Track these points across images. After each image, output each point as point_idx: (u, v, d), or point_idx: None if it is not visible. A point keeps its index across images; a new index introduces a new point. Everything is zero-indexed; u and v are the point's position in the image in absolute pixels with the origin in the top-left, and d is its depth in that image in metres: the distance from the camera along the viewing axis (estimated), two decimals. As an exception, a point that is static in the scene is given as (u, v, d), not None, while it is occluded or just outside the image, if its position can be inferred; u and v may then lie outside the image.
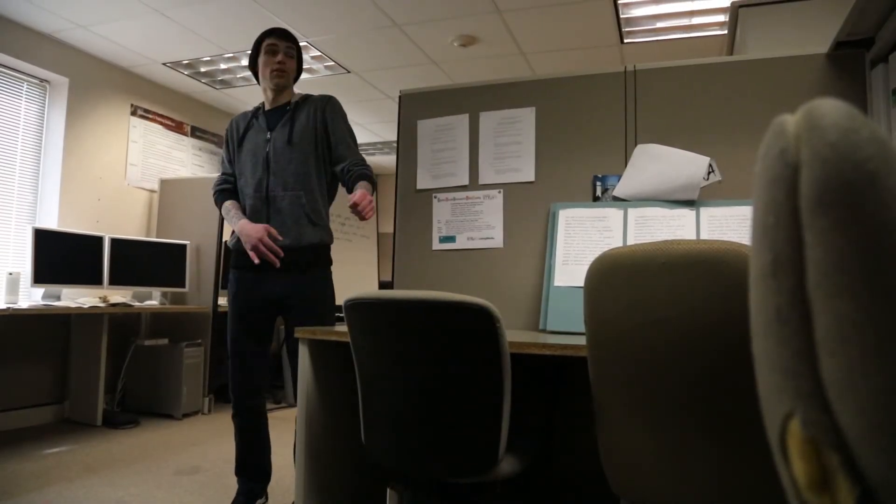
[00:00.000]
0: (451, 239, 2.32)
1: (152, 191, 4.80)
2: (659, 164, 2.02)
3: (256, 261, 2.10)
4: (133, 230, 4.63)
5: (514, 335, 1.62)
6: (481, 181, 2.30)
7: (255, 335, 2.25)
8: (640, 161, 2.06)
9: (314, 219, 2.21)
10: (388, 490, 1.69)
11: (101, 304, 3.75)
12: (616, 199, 2.07)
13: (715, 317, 0.98)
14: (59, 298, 3.80)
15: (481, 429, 1.34)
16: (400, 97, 2.50)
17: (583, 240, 2.05)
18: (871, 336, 0.33)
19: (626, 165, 2.08)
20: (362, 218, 2.03)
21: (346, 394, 1.77)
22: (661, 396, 1.06)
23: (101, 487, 2.64)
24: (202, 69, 4.59)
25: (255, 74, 2.33)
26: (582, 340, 1.28)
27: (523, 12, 3.54)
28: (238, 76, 4.74)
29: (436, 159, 2.38)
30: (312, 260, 2.23)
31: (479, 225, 2.28)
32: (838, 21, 1.71)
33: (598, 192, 2.12)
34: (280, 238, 2.13)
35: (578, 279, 1.97)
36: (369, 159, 4.44)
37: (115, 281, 4.02)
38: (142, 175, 4.74)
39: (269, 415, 2.39)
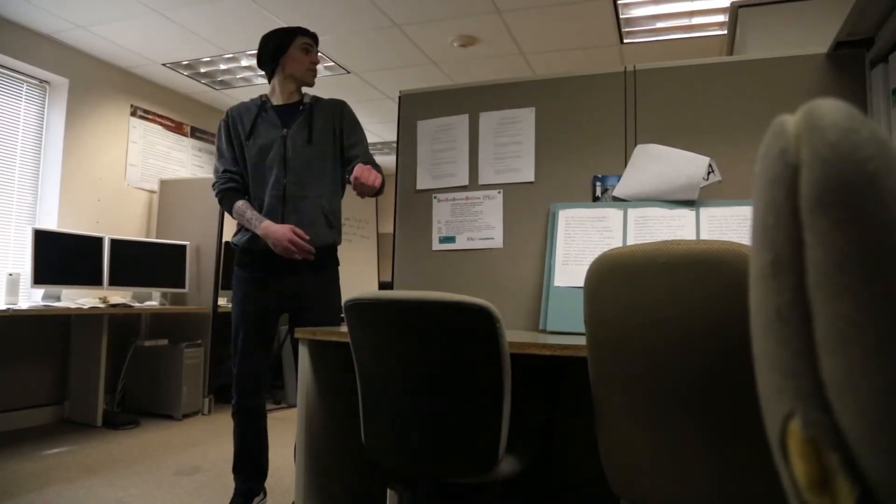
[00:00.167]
0: (450, 239, 2.32)
1: (152, 191, 4.79)
2: (659, 164, 2.02)
3: (298, 256, 2.09)
4: (133, 231, 4.63)
5: (514, 335, 1.62)
6: (481, 181, 2.30)
7: (261, 335, 2.25)
8: (640, 161, 2.06)
9: (332, 220, 2.23)
10: (388, 490, 1.69)
11: (101, 305, 3.74)
12: (616, 199, 2.07)
13: (715, 317, 0.98)
14: (58, 299, 3.80)
15: (481, 429, 1.34)
16: (400, 97, 2.50)
17: (583, 240, 2.05)
18: (871, 336, 0.33)
19: (625, 165, 2.08)
20: (370, 188, 1.98)
21: (346, 394, 1.77)
22: (661, 396, 1.06)
23: (101, 488, 2.64)
24: (202, 70, 4.59)
25: (270, 68, 2.27)
26: (582, 340, 1.28)
27: (523, 12, 3.53)
28: (238, 77, 4.73)
29: (436, 159, 2.38)
30: (326, 260, 2.24)
31: (478, 225, 2.28)
32: (838, 21, 1.71)
33: (598, 193, 2.12)
34: (306, 236, 2.12)
35: (578, 279, 1.97)
36: (369, 159, 4.43)
37: (114, 281, 4.02)
38: (141, 175, 4.74)
39: (269, 415, 2.39)
